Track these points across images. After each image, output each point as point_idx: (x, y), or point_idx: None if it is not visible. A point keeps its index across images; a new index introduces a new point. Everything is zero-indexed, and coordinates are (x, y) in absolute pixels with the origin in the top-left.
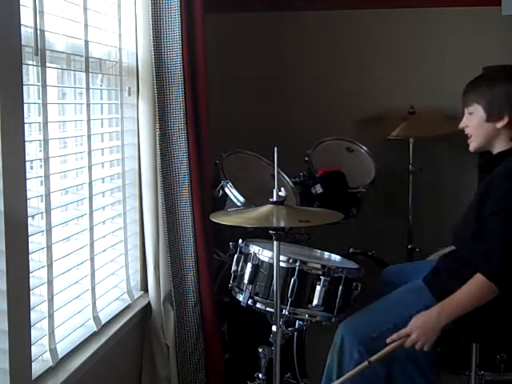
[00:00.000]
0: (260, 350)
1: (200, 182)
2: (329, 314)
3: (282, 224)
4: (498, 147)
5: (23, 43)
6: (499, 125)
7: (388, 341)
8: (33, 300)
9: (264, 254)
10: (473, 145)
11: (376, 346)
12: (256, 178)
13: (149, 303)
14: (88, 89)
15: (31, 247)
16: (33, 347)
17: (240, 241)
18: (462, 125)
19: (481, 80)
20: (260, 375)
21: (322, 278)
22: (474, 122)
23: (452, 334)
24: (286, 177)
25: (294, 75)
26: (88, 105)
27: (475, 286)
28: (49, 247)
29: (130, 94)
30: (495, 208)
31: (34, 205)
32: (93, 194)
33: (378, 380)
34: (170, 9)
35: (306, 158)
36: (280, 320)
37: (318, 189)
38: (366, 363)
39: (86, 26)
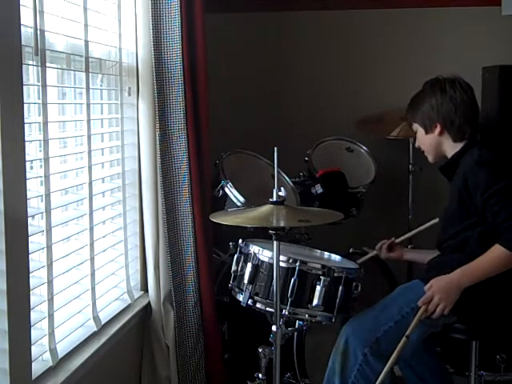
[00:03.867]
0: (260, 350)
1: (200, 181)
2: (329, 314)
3: (282, 224)
4: (449, 150)
5: (23, 43)
6: (436, 133)
7: (419, 303)
8: (33, 300)
9: (264, 254)
10: (429, 157)
11: (381, 346)
12: (256, 177)
13: (149, 303)
14: (88, 89)
15: (31, 247)
16: (33, 347)
17: (240, 241)
18: (416, 144)
19: (412, 101)
20: (260, 375)
21: (322, 277)
22: (420, 137)
23: (452, 331)
24: (286, 177)
25: (294, 75)
26: (88, 105)
27: (494, 256)
28: (49, 247)
29: (130, 94)
30: (487, 195)
31: (34, 205)
32: (93, 194)
33: (355, 362)
34: (170, 9)
35: (306, 158)
36: (280, 320)
37: (318, 189)
38: (404, 339)
39: (86, 25)
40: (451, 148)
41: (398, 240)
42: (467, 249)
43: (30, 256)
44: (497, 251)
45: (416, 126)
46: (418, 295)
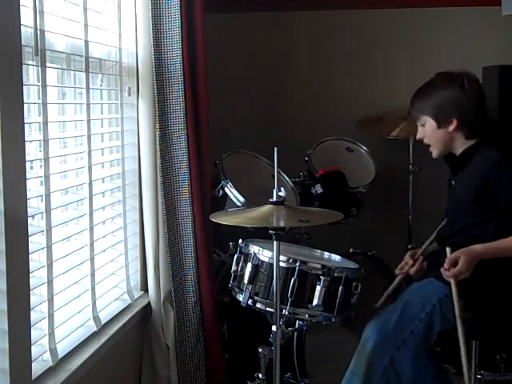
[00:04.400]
0: (260, 350)
1: (200, 181)
2: (329, 314)
3: (282, 224)
4: (459, 147)
5: (23, 43)
6: (451, 128)
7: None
8: (33, 300)
9: (264, 254)
10: (434, 152)
11: (408, 347)
12: (256, 177)
13: (149, 303)
14: (88, 89)
15: (31, 247)
16: (33, 347)
17: (240, 241)
18: (418, 136)
19: (422, 92)
20: (260, 375)
21: (322, 277)
22: (428, 131)
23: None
24: (286, 177)
25: (294, 75)
26: (88, 105)
27: None
28: (49, 247)
29: (130, 94)
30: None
31: (34, 205)
32: (93, 194)
33: (381, 366)
34: (170, 9)
35: (306, 158)
36: (280, 320)
37: (318, 189)
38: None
39: (86, 25)
40: (461, 145)
41: (419, 253)
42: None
43: (30, 256)
44: None
45: (425, 119)
46: (438, 291)
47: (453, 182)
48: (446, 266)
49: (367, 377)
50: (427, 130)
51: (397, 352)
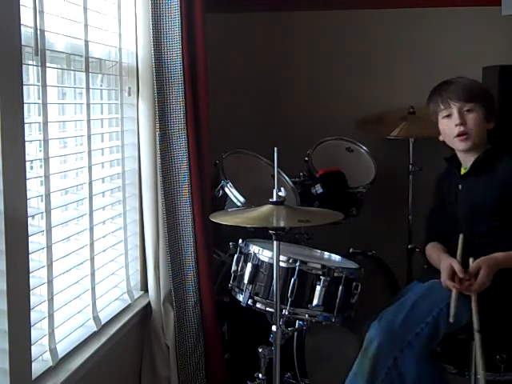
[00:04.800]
0: (260, 350)
1: (200, 181)
2: (329, 314)
3: (282, 224)
4: (482, 147)
5: (23, 43)
6: (490, 126)
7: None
8: (33, 300)
9: (264, 254)
10: (469, 143)
11: (413, 349)
12: (256, 177)
13: (149, 303)
14: (88, 89)
15: (31, 247)
16: (33, 347)
17: (240, 241)
18: (459, 120)
19: (478, 84)
20: (260, 375)
21: (322, 277)
22: (475, 119)
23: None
24: (286, 177)
25: (294, 75)
26: (88, 105)
27: None
28: (49, 247)
29: (130, 94)
30: None
31: (34, 205)
32: (93, 194)
33: (385, 367)
34: (170, 9)
35: (306, 158)
36: (280, 320)
37: (318, 189)
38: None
39: (86, 25)
40: (484, 146)
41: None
42: (502, 245)
43: (30, 256)
44: None
45: (476, 106)
46: (444, 296)
47: (460, 186)
48: (466, 277)
49: (371, 377)
50: (474, 117)
51: (401, 353)
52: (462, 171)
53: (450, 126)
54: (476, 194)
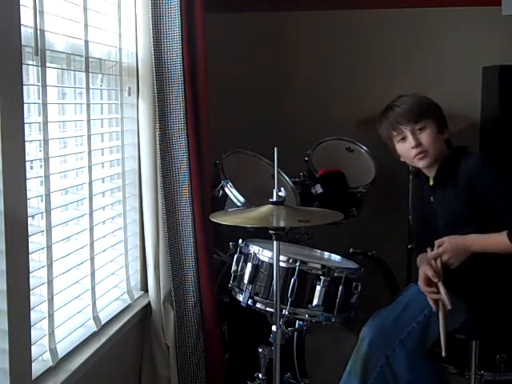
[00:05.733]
0: (260, 350)
1: (200, 181)
2: (329, 314)
3: (282, 224)
4: (441, 156)
5: (23, 43)
6: (446, 136)
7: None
8: (33, 300)
9: (264, 254)
10: (428, 160)
11: (404, 348)
12: (256, 177)
13: (149, 303)
14: (88, 89)
15: (31, 247)
16: (33, 347)
17: (240, 241)
18: (414, 142)
19: (416, 98)
20: (260, 375)
21: (322, 277)
22: (429, 136)
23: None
24: (286, 177)
25: (294, 75)
26: (88, 105)
27: (503, 242)
28: (49, 247)
29: (130, 94)
30: (494, 195)
31: (34, 205)
32: (93, 194)
33: (377, 365)
34: (170, 9)
35: (306, 158)
36: (280, 320)
37: (318, 189)
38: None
39: (86, 25)
40: (442, 153)
41: None
42: None
43: (30, 256)
44: (505, 240)
45: (426, 123)
46: None
47: (432, 199)
48: (429, 256)
49: (363, 375)
50: (428, 134)
51: (393, 352)
52: (431, 182)
53: (406, 148)
54: (447, 205)
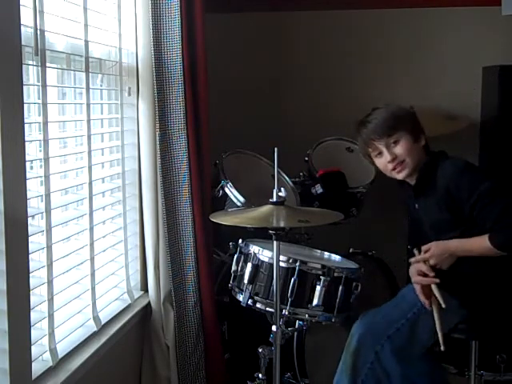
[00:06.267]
0: (260, 350)
1: (200, 181)
2: (329, 314)
3: (282, 224)
4: (419, 164)
5: (23, 43)
6: (422, 143)
7: (411, 261)
8: (33, 300)
9: (264, 254)
10: (406, 171)
11: (393, 343)
12: (256, 177)
13: (149, 303)
14: (88, 89)
15: (31, 247)
16: (33, 347)
17: (240, 241)
18: (390, 156)
19: (384, 112)
20: (260, 375)
21: (322, 277)
22: (404, 147)
23: (452, 331)
24: (286, 177)
25: (294, 75)
26: (88, 105)
27: (485, 246)
28: (49, 247)
29: (130, 94)
30: (473, 200)
31: (34, 205)
32: (93, 194)
33: (366, 361)
34: (170, 9)
35: (306, 158)
36: (280, 320)
37: (318, 189)
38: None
39: (86, 25)
40: (420, 161)
41: None
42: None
43: (30, 256)
44: (487, 244)
45: (399, 135)
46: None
47: (416, 206)
48: (412, 261)
49: (353, 371)
50: (403, 146)
51: (381, 348)
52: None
53: (383, 163)
54: (430, 212)
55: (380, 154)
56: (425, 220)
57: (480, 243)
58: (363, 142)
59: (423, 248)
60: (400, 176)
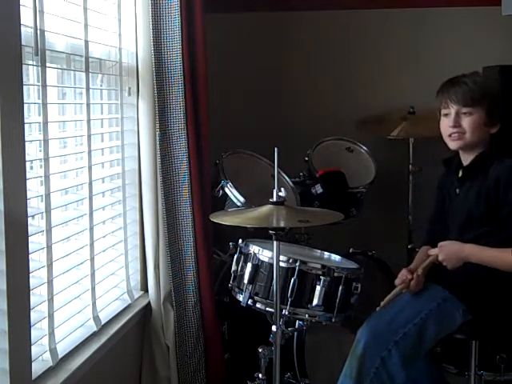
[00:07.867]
0: (260, 350)
1: (200, 181)
2: (329, 314)
3: (282, 224)
4: (480, 149)
5: (23, 43)
6: (493, 130)
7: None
8: (33, 300)
9: (264, 254)
10: (460, 143)
11: (399, 349)
12: (256, 177)
13: (149, 303)
14: (88, 89)
15: (31, 247)
16: (33, 347)
17: (240, 241)
18: (454, 123)
19: (482, 85)
20: (260, 375)
21: (322, 277)
22: (472, 123)
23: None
24: (286, 177)
25: (294, 75)
26: (88, 105)
27: (507, 260)
28: (49, 247)
29: (130, 94)
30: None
31: (34, 205)
32: (93, 194)
33: (372, 366)
34: (170, 9)
35: (306, 158)
36: (280, 320)
37: (318, 189)
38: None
39: (86, 26)
40: (483, 147)
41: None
42: None
43: (30, 256)
44: (509, 258)
45: (473, 110)
46: (436, 296)
47: (457, 191)
48: (409, 276)
49: (359, 377)
50: (470, 121)
51: (388, 353)
52: (460, 174)
53: (445, 125)
54: (469, 202)
55: (447, 115)
56: (460, 209)
57: (502, 257)
58: (442, 97)
59: (439, 244)
60: (453, 144)
